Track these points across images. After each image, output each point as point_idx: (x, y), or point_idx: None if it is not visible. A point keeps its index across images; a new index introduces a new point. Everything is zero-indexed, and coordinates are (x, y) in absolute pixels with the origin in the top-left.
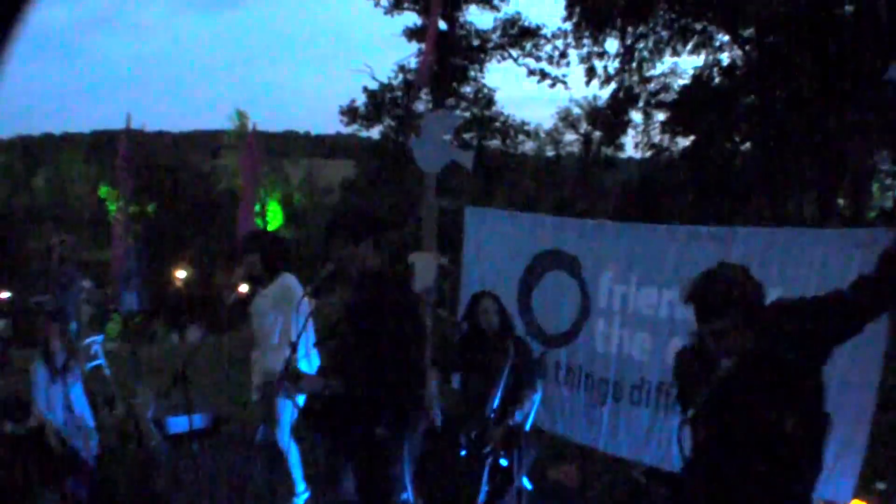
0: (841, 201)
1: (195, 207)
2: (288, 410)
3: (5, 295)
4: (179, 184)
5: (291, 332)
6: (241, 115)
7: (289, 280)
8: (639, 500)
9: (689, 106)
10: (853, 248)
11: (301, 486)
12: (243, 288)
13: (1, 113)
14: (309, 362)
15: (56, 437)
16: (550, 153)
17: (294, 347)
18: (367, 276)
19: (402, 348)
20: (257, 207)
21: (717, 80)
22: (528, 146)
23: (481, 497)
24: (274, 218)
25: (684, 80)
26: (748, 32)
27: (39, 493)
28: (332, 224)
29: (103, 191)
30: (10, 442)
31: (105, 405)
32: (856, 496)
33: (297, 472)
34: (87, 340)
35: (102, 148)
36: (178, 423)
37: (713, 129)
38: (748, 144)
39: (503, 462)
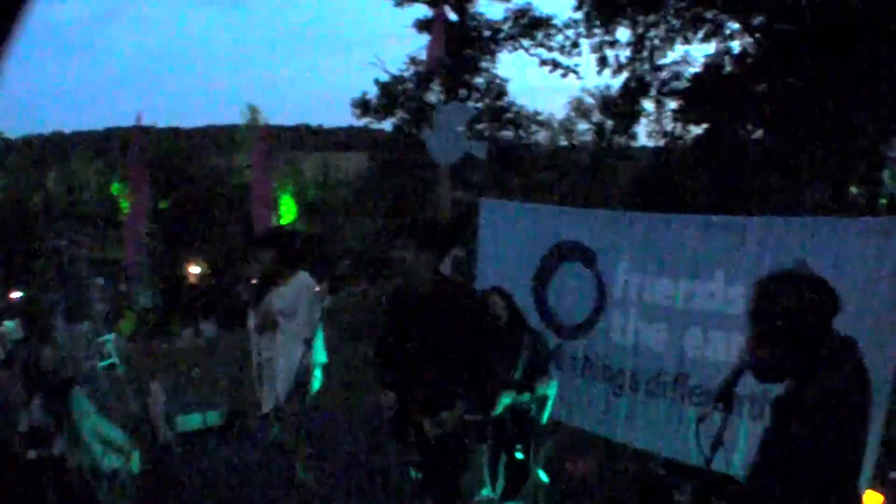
0: (854, 189)
1: (209, 203)
2: (302, 406)
3: (17, 294)
4: (193, 180)
5: (307, 330)
6: (254, 110)
7: (304, 278)
8: (657, 493)
9: (701, 94)
10: (867, 238)
11: (316, 485)
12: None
13: (10, 113)
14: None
15: (76, 470)
16: (563, 143)
17: (309, 344)
18: (436, 284)
19: (477, 348)
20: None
21: (728, 68)
22: (541, 136)
23: (498, 490)
24: (288, 212)
25: (696, 69)
26: (759, 20)
27: None
28: (409, 226)
29: (115, 188)
30: (30, 468)
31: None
32: (870, 486)
33: (305, 469)
34: (100, 339)
35: (114, 145)
36: (192, 421)
37: (725, 116)
38: (761, 132)
39: (519, 455)
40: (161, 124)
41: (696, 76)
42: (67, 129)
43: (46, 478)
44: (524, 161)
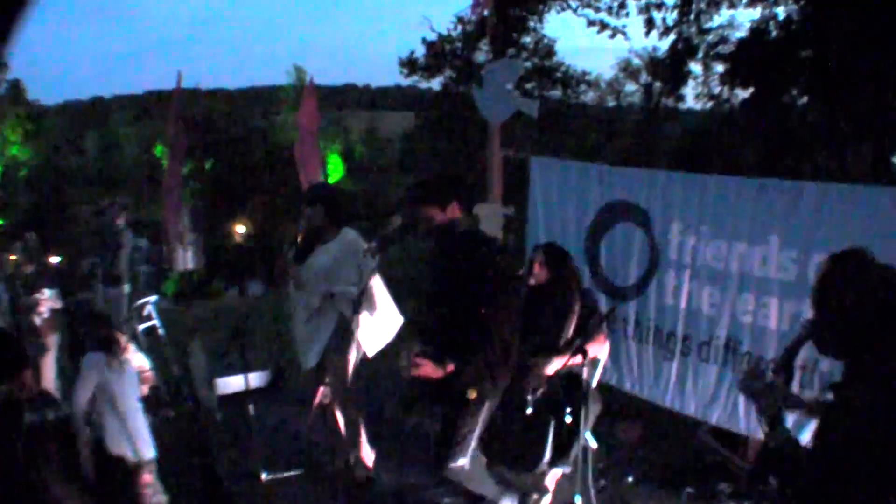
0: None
1: (254, 163)
2: (349, 372)
3: (56, 259)
4: (237, 140)
5: (353, 289)
6: (299, 70)
7: (352, 235)
8: (704, 460)
9: (747, 58)
10: None
11: (367, 449)
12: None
13: (46, 81)
14: (370, 317)
15: (83, 431)
16: (611, 103)
17: (356, 305)
18: (460, 241)
19: (495, 311)
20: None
21: (773, 33)
22: (589, 96)
23: (546, 454)
24: (334, 171)
25: (742, 33)
26: None
27: (59, 487)
28: (417, 187)
29: (158, 150)
30: (30, 433)
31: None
32: None
33: (361, 436)
34: (141, 301)
35: (155, 108)
36: (234, 383)
37: (771, 81)
38: (806, 98)
39: (568, 418)
40: (205, 86)
41: (742, 41)
42: (107, 94)
43: (51, 445)
44: (573, 120)
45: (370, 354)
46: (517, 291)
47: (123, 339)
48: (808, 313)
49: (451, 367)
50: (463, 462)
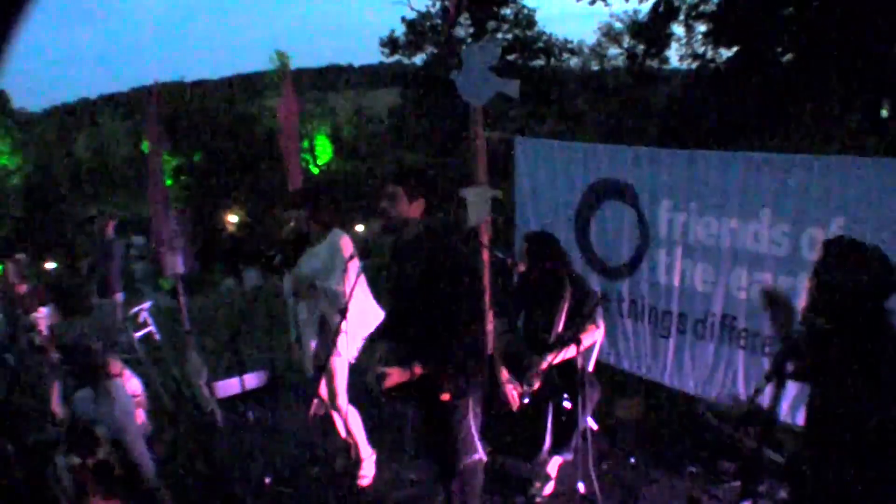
0: (885, 112)
1: (242, 151)
2: (344, 374)
3: (52, 265)
4: (223, 129)
5: (341, 299)
6: (281, 56)
7: (339, 238)
8: (706, 438)
9: (730, 17)
10: None
11: (367, 450)
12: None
13: (30, 88)
14: (361, 324)
15: (121, 464)
16: (595, 68)
17: (344, 314)
18: (423, 238)
19: (460, 310)
20: (304, 144)
21: None
22: (573, 62)
23: (546, 442)
24: (323, 152)
25: None
26: None
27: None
28: (396, 176)
29: (145, 146)
30: (78, 474)
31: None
32: None
33: (360, 436)
34: (136, 309)
35: (142, 104)
36: (233, 386)
37: (754, 40)
38: (790, 55)
39: (566, 404)
40: (189, 77)
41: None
42: (93, 95)
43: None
44: (557, 87)
45: (351, 358)
46: (482, 291)
47: (114, 363)
48: (802, 287)
49: (417, 370)
50: (478, 456)
